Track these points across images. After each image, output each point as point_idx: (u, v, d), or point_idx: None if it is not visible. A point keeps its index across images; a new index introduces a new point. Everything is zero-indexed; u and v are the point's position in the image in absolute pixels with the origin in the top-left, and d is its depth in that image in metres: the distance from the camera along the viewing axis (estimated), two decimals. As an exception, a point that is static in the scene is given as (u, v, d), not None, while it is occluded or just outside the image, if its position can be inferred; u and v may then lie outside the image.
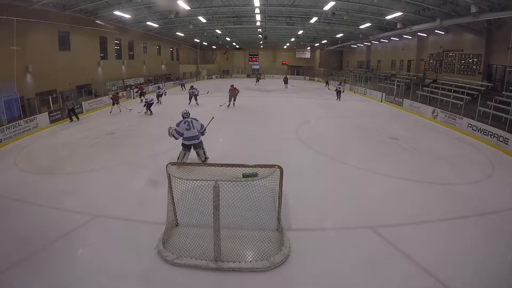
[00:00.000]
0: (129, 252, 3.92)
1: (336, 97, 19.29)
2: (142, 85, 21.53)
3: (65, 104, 13.00)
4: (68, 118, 12.89)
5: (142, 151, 8.31)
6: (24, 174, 6.84)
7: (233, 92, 15.34)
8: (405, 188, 6.04)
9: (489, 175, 6.85)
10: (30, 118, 11.11)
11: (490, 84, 14.24)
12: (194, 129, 6.42)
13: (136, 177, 6.54)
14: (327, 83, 29.88)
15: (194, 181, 3.73)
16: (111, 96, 15.68)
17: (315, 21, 19.75)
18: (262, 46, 38.92)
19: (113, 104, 14.65)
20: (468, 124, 10.68)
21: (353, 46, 30.94)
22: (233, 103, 15.38)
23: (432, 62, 19.54)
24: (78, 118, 13.10)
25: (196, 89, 16.83)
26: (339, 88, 19.57)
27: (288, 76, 30.15)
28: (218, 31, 25.88)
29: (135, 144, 9.12)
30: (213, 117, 7.66)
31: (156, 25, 20.37)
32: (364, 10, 15.95)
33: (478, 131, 10.10)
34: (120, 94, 17.30)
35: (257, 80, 30.78)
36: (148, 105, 14.20)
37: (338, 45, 30.78)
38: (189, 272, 3.57)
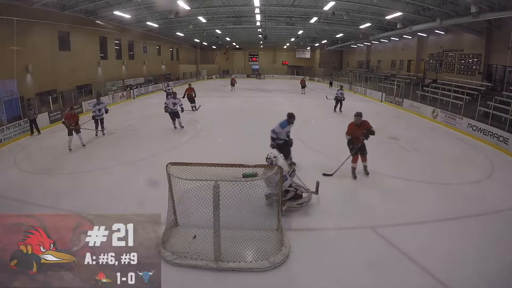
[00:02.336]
0: (129, 252, 3.91)
1: (334, 108, 14.48)
2: (190, 86, 15.05)
3: (26, 113, 10.68)
4: (30, 132, 10.54)
5: (142, 151, 8.30)
6: (24, 174, 6.84)
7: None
8: (405, 188, 6.03)
9: (489, 175, 6.85)
10: (30, 118, 11.10)
11: (490, 84, 14.24)
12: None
13: (136, 177, 6.53)
14: (331, 84, 28.19)
15: (194, 181, 3.73)
16: (62, 119, 9.11)
17: (315, 21, 19.76)
18: (262, 46, 38.96)
19: (71, 133, 8.53)
20: (468, 124, 10.68)
21: (353, 46, 30.94)
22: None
23: (432, 62, 19.55)
24: (39, 132, 10.70)
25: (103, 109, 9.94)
26: (340, 95, 14.27)
27: (305, 78, 26.14)
28: (218, 31, 25.90)
29: (135, 144, 9.11)
30: None
31: (156, 25, 20.38)
32: (364, 10, 15.96)
33: (478, 131, 10.10)
34: (75, 112, 9.09)
35: (232, 85, 24.53)
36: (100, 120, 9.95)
37: (338, 45, 30.79)
38: (189, 272, 3.57)
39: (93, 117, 9.89)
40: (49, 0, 12.58)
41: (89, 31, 17.47)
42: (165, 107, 10.43)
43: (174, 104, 10.43)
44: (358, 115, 6.32)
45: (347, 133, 6.36)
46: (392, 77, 21.34)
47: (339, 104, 14.40)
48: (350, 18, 17.10)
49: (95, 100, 10.49)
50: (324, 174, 6.45)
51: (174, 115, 10.55)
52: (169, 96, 12.52)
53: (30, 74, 13.49)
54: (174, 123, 10.67)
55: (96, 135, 9.99)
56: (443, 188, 5.98)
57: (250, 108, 15.33)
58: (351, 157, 6.41)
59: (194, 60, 39.35)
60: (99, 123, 10.01)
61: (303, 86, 23.01)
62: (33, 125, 10.64)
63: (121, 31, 20.53)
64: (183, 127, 10.74)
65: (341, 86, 15.64)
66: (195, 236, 3.95)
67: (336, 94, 14.37)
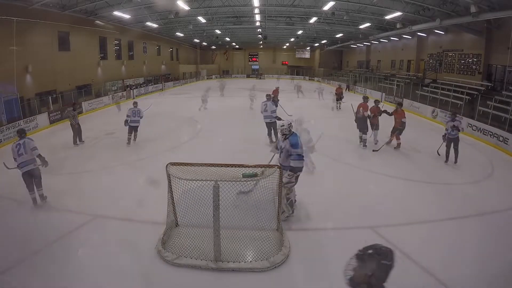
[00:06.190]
0: (129, 252, 3.91)
1: (446, 156, 7.31)
2: None
3: (70, 117, 8.91)
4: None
5: (142, 151, 8.31)
6: (24, 174, 6.82)
7: None
8: (405, 188, 6.03)
9: (489, 175, 6.85)
10: (30, 118, 11.11)
11: (489, 84, 14.24)
12: None
13: (136, 177, 6.53)
14: (348, 87, 23.29)
15: (194, 181, 3.73)
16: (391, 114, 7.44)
17: (315, 21, 19.77)
18: (262, 46, 38.99)
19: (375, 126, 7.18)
20: (468, 124, 10.68)
21: (353, 46, 30.96)
22: None
23: (432, 62, 19.56)
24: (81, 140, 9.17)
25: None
26: (453, 131, 7.09)
27: (342, 86, 18.54)
28: (218, 31, 25.91)
29: (135, 144, 9.11)
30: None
31: (156, 25, 20.39)
32: (364, 10, 15.97)
33: (478, 131, 10.10)
34: None
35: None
36: None
37: (338, 45, 30.80)
38: (189, 272, 3.57)
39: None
40: (49, 0, 12.58)
41: (89, 31, 17.46)
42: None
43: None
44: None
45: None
46: (392, 77, 21.36)
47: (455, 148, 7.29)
48: (350, 18, 17.11)
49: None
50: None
51: None
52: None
53: (30, 74, 13.48)
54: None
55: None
56: (443, 188, 5.98)
57: (249, 109, 15.29)
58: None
59: (194, 60, 39.36)
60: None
61: (339, 98, 15.04)
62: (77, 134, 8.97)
63: (121, 31, 20.51)
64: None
65: (455, 113, 7.71)
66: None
67: (447, 130, 7.29)
